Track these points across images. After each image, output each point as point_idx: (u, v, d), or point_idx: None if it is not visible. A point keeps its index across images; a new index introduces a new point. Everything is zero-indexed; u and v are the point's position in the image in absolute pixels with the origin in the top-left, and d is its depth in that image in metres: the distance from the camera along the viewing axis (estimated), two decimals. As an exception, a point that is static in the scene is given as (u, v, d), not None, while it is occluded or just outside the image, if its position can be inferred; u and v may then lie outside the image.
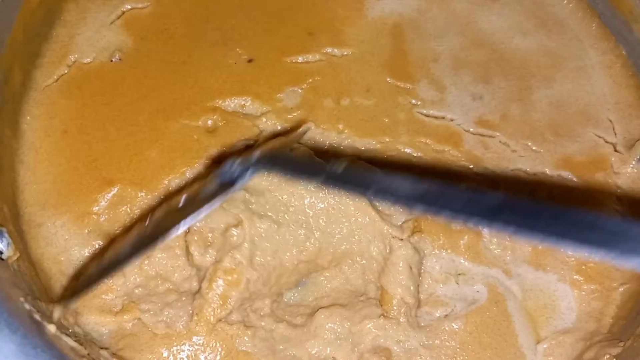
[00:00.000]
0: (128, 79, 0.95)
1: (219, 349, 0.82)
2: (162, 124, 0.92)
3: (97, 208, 0.87)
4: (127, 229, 0.86)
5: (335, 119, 0.95)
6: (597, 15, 1.05)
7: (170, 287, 0.84)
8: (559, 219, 0.53)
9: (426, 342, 0.86)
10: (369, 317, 0.85)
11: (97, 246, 0.86)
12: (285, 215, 0.84)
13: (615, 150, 0.96)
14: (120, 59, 0.96)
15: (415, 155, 0.94)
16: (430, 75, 0.99)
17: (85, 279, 0.81)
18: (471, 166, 0.94)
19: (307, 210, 0.84)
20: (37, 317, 0.72)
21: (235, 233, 0.81)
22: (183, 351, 0.82)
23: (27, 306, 0.72)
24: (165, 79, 0.95)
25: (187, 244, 0.83)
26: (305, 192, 0.84)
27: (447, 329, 0.87)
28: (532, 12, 1.05)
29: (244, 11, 1.02)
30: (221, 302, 0.80)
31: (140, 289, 0.83)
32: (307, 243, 0.84)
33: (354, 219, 0.85)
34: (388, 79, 0.98)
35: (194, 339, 0.82)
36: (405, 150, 0.94)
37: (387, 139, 0.94)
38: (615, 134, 0.97)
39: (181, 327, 0.82)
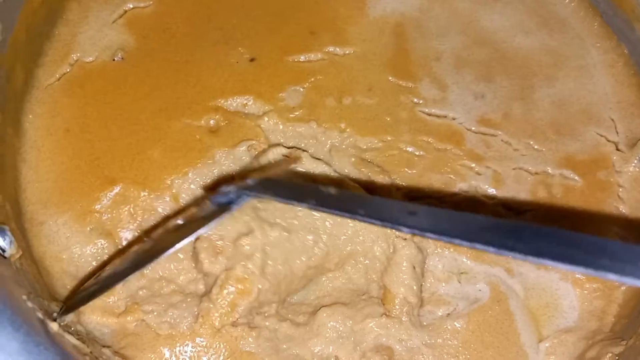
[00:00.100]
0: (130, 78, 0.95)
1: (223, 350, 0.82)
2: (165, 124, 0.92)
3: (99, 206, 0.87)
4: (126, 248, 0.86)
5: (337, 118, 0.95)
6: (599, 14, 1.05)
7: (175, 288, 0.84)
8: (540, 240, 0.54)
9: (428, 341, 0.86)
10: (371, 315, 0.84)
11: (99, 244, 0.86)
12: (295, 221, 0.83)
13: (617, 149, 0.96)
14: (122, 58, 0.96)
15: (417, 154, 0.94)
16: (432, 74, 0.99)
17: (85, 292, 0.81)
18: (473, 165, 0.94)
19: (315, 214, 0.84)
20: (39, 315, 0.72)
21: (247, 243, 0.80)
22: (186, 352, 0.82)
23: (29, 304, 0.72)
24: (168, 78, 0.95)
25: (197, 251, 0.82)
26: None
27: (449, 327, 0.87)
28: (534, 11, 1.05)
29: (246, 10, 1.02)
30: (229, 309, 0.80)
31: (144, 291, 0.83)
32: (316, 249, 0.83)
33: None
34: (390, 78, 0.98)
35: (197, 340, 0.82)
36: (407, 149, 0.94)
37: (389, 138, 0.94)
38: (617, 132, 0.97)
39: (185, 328, 0.82)
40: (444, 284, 0.89)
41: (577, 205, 0.93)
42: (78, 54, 0.96)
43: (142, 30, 0.99)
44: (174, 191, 0.89)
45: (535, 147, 0.95)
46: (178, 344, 0.82)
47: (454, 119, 0.97)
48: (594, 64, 1.02)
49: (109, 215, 0.87)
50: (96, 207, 0.87)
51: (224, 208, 0.77)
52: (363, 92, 0.97)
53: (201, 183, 0.89)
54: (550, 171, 0.94)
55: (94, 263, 0.85)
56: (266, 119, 0.93)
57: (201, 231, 0.76)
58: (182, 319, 0.82)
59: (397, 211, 0.65)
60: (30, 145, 0.90)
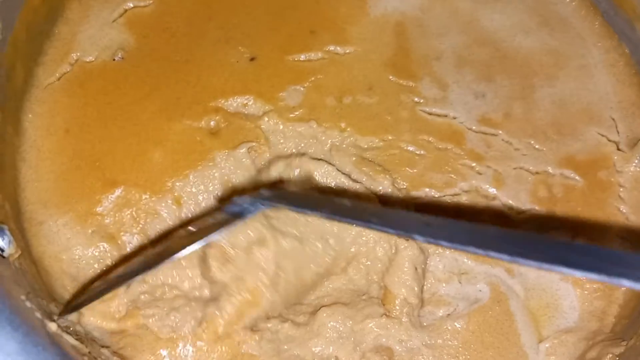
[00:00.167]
0: (130, 78, 0.95)
1: (225, 354, 0.82)
2: (165, 124, 0.92)
3: (101, 209, 0.87)
4: (134, 253, 0.86)
5: (337, 118, 0.94)
6: (600, 13, 1.04)
7: (179, 293, 0.83)
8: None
9: (428, 342, 0.86)
10: (371, 316, 0.84)
11: (101, 248, 0.86)
12: (305, 229, 0.83)
13: (618, 149, 0.96)
14: (122, 58, 0.96)
15: (418, 153, 0.94)
16: (432, 73, 0.99)
17: (90, 292, 0.81)
18: (473, 164, 0.94)
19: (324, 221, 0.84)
20: (38, 315, 0.72)
21: (260, 253, 0.79)
22: (186, 355, 0.82)
23: (28, 304, 0.72)
24: (168, 78, 0.95)
25: (206, 257, 0.80)
26: None
27: (449, 328, 0.87)
28: (534, 10, 1.05)
29: (247, 9, 1.02)
30: (236, 318, 0.79)
31: (146, 295, 0.83)
32: (326, 257, 0.83)
33: None
34: (390, 77, 0.98)
35: (199, 343, 0.82)
36: (408, 148, 0.94)
37: (390, 137, 0.94)
38: (618, 132, 0.97)
39: (187, 331, 0.82)
40: (444, 285, 0.89)
41: (578, 205, 0.93)
42: (78, 54, 0.96)
43: (143, 29, 0.99)
44: (175, 194, 0.89)
45: (536, 146, 0.95)
46: (178, 347, 0.82)
47: (454, 118, 0.97)
48: (594, 64, 1.01)
49: (112, 219, 0.87)
50: (98, 209, 0.87)
51: (236, 217, 0.77)
52: (363, 91, 0.97)
53: (202, 186, 0.89)
54: (550, 171, 0.94)
55: (96, 266, 0.86)
56: (266, 119, 0.93)
57: (212, 237, 0.76)
58: (184, 323, 0.82)
59: (413, 221, 0.65)
60: (30, 145, 0.90)
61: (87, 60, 0.96)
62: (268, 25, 1.00)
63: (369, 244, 0.85)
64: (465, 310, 0.88)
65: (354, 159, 0.92)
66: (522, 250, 0.55)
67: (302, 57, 0.98)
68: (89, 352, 0.76)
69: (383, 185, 0.90)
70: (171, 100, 0.94)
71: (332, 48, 0.99)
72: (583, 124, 0.97)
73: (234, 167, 0.90)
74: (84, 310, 0.81)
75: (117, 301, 0.82)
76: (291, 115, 0.94)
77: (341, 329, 0.84)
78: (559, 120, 0.97)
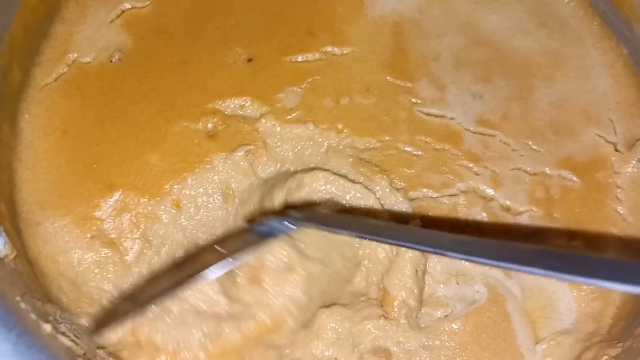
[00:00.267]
0: (128, 79, 0.95)
1: None
2: (163, 126, 0.92)
3: (100, 213, 0.87)
4: (164, 273, 0.86)
5: (334, 119, 0.94)
6: (599, 14, 1.04)
7: (189, 308, 0.81)
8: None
9: (426, 343, 0.86)
10: (369, 317, 0.84)
11: (102, 253, 0.86)
12: (328, 248, 0.83)
13: (616, 150, 0.96)
14: (119, 59, 0.96)
15: (415, 153, 0.93)
16: (430, 74, 0.99)
17: (121, 313, 0.80)
18: (471, 165, 0.93)
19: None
20: (33, 316, 0.72)
21: (290, 280, 0.79)
22: None
23: (23, 305, 0.72)
24: (165, 79, 0.95)
25: (234, 274, 0.79)
26: None
27: (446, 329, 0.87)
28: (533, 11, 1.05)
29: (244, 10, 1.01)
30: (253, 341, 0.79)
31: (153, 307, 0.81)
32: (344, 270, 0.84)
33: None
34: (388, 78, 0.98)
35: (201, 355, 0.79)
36: (406, 148, 0.94)
37: (387, 138, 0.94)
38: (616, 133, 0.97)
39: (192, 345, 0.79)
40: (442, 286, 0.89)
41: (575, 206, 0.92)
42: (75, 54, 0.96)
43: (140, 30, 0.99)
44: (174, 197, 0.89)
45: (534, 147, 0.95)
46: (180, 358, 0.80)
47: (452, 119, 0.97)
48: (593, 65, 1.01)
49: (111, 224, 0.87)
50: (97, 213, 0.87)
51: (265, 237, 0.78)
52: (361, 92, 0.96)
53: (200, 189, 0.89)
54: (548, 172, 0.94)
55: (97, 271, 0.85)
56: (263, 121, 0.93)
57: (243, 258, 0.76)
58: (189, 336, 0.79)
59: (446, 239, 0.65)
60: (27, 145, 0.90)
61: (85, 61, 0.96)
62: (265, 26, 1.00)
63: (371, 244, 0.85)
64: (463, 312, 0.88)
65: (351, 160, 0.92)
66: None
67: (300, 58, 0.98)
68: (84, 354, 0.76)
69: (380, 186, 0.90)
70: (169, 101, 0.93)
71: (329, 49, 0.99)
72: (581, 125, 0.97)
73: (232, 171, 0.90)
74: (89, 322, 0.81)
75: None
76: (288, 117, 0.94)
77: (340, 330, 0.84)
78: (557, 121, 0.97)
